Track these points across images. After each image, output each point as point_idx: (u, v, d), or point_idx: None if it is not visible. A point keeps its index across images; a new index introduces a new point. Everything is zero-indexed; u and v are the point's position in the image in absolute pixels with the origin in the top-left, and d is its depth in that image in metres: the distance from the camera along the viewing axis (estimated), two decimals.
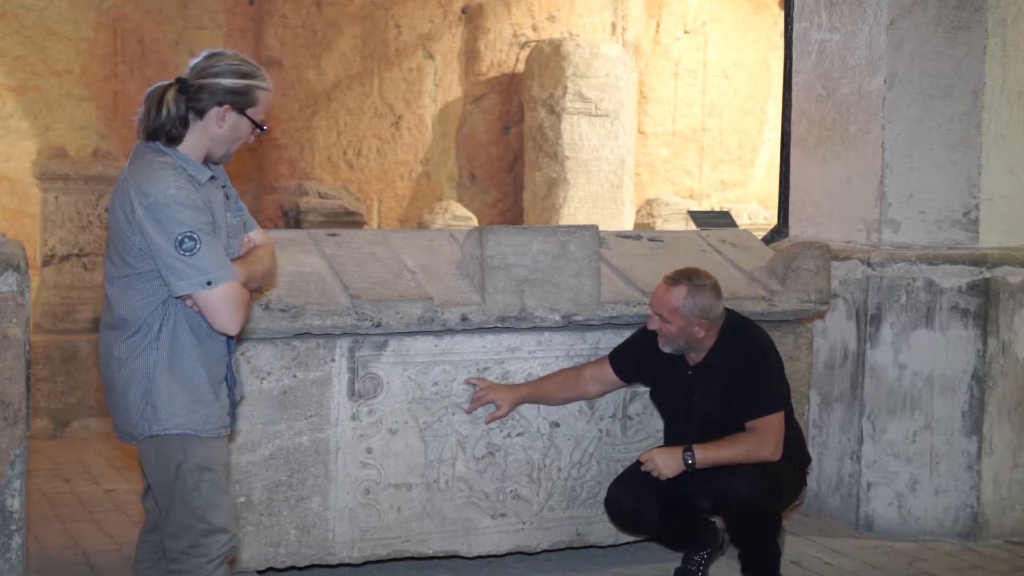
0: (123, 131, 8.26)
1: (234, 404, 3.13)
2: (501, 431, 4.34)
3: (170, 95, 2.95)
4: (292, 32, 9.29)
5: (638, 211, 10.18)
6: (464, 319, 4.20)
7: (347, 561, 4.20)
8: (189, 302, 2.92)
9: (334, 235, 4.53)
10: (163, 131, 2.95)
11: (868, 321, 5.06)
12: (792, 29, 5.69)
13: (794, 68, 5.66)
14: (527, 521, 4.40)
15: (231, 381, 3.09)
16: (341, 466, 4.13)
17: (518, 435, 4.37)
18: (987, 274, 4.97)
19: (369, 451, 4.17)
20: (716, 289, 4.13)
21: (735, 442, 4.04)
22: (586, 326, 4.43)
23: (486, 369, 4.31)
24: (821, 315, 4.98)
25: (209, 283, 2.85)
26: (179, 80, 2.99)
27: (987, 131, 5.05)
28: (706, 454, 4.02)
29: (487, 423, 4.29)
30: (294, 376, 4.06)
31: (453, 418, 4.27)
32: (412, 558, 4.32)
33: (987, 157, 5.06)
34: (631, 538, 4.54)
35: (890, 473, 5.04)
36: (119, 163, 7.30)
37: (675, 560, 4.39)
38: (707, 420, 4.13)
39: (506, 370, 4.34)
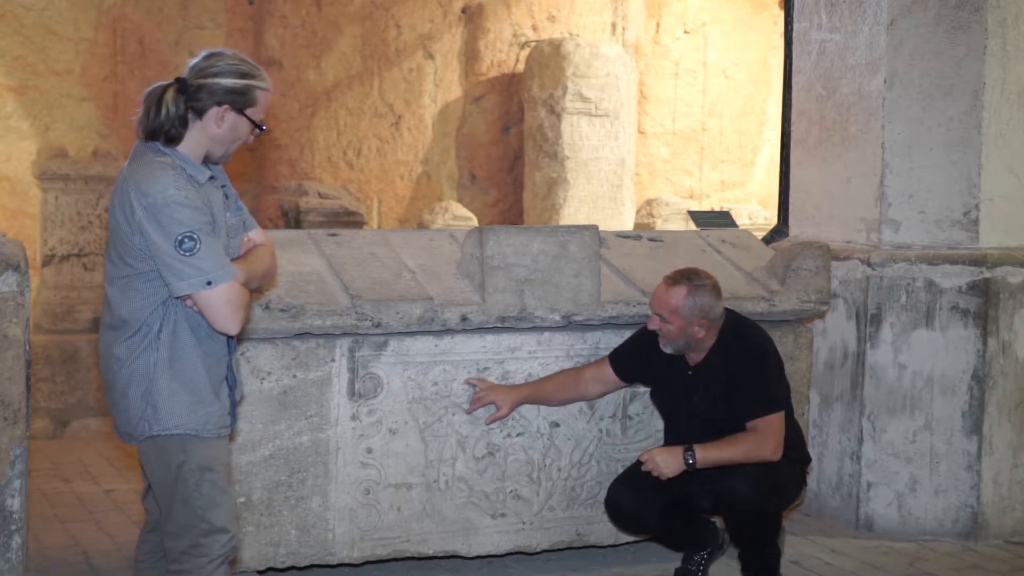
0: (123, 131, 8.26)
1: (235, 404, 3.13)
2: (501, 431, 4.34)
3: (169, 95, 2.95)
4: (292, 32, 9.29)
5: (638, 211, 10.18)
6: (464, 319, 4.20)
7: (347, 561, 4.20)
8: (189, 302, 2.91)
9: (334, 235, 4.53)
10: (162, 131, 2.95)
11: (868, 321, 5.06)
12: (792, 29, 5.69)
13: (794, 68, 5.66)
14: (527, 521, 4.40)
15: (232, 381, 3.09)
16: (341, 466, 4.13)
17: (518, 435, 4.37)
18: (987, 274, 4.97)
19: (369, 451, 4.17)
20: (716, 289, 4.13)
21: (736, 442, 4.04)
22: (586, 326, 4.42)
23: (486, 369, 4.31)
24: (821, 315, 4.98)
25: (209, 283, 2.85)
26: (178, 80, 2.99)
27: (987, 131, 5.05)
28: (707, 454, 4.02)
29: (488, 424, 4.29)
30: (294, 376, 4.06)
31: (453, 418, 4.27)
32: (412, 558, 4.32)
33: (987, 157, 5.06)
34: (631, 538, 4.54)
35: (890, 473, 5.04)
36: (119, 163, 7.30)
37: (675, 560, 4.39)
38: (707, 420, 4.13)
39: (506, 370, 4.34)
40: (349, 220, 8.45)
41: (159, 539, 3.11)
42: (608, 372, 4.32)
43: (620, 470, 4.39)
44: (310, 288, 4.10)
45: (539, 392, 4.33)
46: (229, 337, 3.03)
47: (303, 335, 4.04)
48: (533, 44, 9.92)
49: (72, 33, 8.31)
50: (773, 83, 10.51)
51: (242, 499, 3.96)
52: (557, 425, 4.42)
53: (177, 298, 2.91)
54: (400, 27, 9.63)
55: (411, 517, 4.24)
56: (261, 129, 3.07)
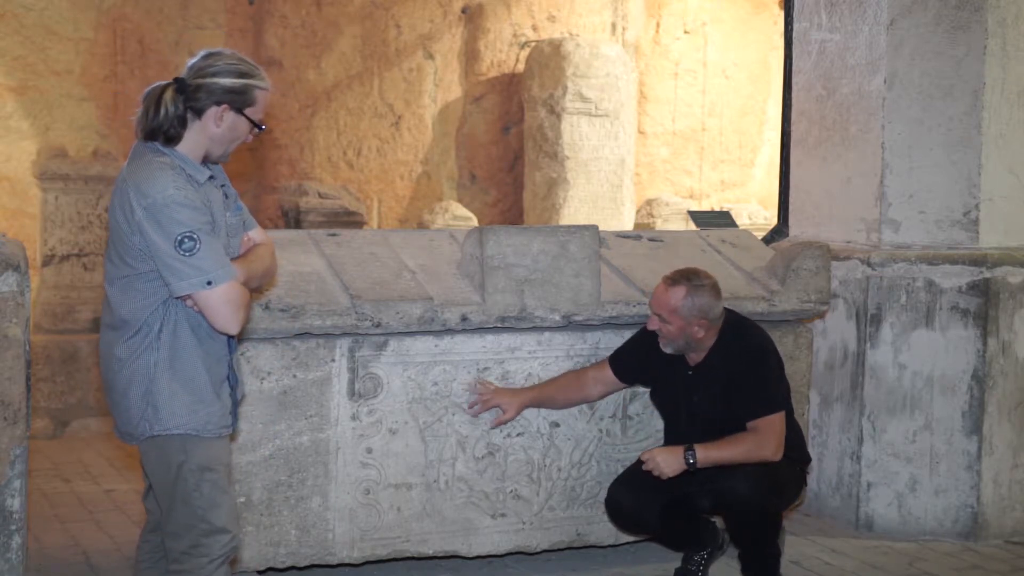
0: (123, 131, 8.26)
1: (235, 404, 3.13)
2: (501, 431, 4.34)
3: (168, 95, 2.95)
4: (292, 32, 9.29)
5: (638, 211, 10.18)
6: (464, 319, 4.20)
7: (347, 561, 4.20)
8: (189, 302, 2.91)
9: (334, 235, 4.53)
10: (161, 131, 2.95)
11: (868, 321, 5.06)
12: (792, 29, 5.69)
13: (794, 68, 5.66)
14: (527, 521, 4.40)
15: (232, 381, 3.09)
16: (341, 466, 4.13)
17: (518, 435, 4.37)
18: (987, 274, 4.97)
19: (369, 451, 4.17)
20: (715, 289, 4.13)
21: (736, 442, 4.04)
22: (586, 326, 4.42)
23: (486, 369, 4.31)
24: (821, 315, 4.98)
25: (209, 283, 2.85)
26: (177, 80, 2.98)
27: (987, 131, 5.05)
28: (707, 453, 4.02)
29: (493, 427, 4.30)
30: (294, 376, 4.06)
31: (453, 418, 4.27)
32: (412, 558, 4.32)
33: (987, 157, 5.06)
34: (631, 538, 4.54)
35: (890, 473, 5.04)
36: (119, 163, 7.28)
37: (675, 560, 4.39)
38: (707, 420, 4.13)
39: (506, 370, 4.34)
40: (349, 220, 8.45)
41: (160, 539, 3.11)
42: (608, 374, 4.32)
43: (620, 470, 4.39)
44: (310, 288, 4.10)
45: (543, 395, 4.33)
46: (230, 337, 3.03)
47: (303, 335, 4.04)
48: (533, 44, 9.92)
49: (72, 33, 8.31)
50: (773, 83, 10.51)
51: (242, 499, 3.96)
52: (557, 425, 4.42)
53: (177, 298, 2.91)
54: (400, 27, 9.63)
55: (411, 517, 4.24)
56: (260, 128, 3.07)
